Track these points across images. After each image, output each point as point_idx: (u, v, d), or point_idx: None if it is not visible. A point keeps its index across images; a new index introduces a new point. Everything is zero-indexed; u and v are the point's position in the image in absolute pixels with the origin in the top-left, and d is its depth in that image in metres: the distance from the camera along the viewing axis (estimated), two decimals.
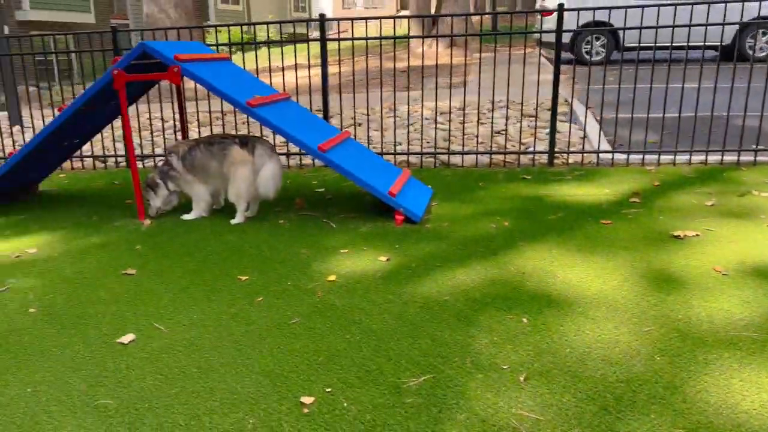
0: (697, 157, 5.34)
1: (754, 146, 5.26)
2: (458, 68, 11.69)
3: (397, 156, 5.83)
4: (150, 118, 6.42)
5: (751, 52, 5.74)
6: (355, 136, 5.65)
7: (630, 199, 4.36)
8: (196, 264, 3.54)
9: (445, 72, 10.52)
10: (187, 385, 2.34)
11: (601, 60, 11.31)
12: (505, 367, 2.37)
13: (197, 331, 2.76)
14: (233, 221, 4.27)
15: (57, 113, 4.27)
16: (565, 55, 12.12)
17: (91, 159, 6.37)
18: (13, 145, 7.01)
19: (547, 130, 6.18)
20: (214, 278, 3.33)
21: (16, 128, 8.32)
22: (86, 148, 6.62)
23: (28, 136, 7.47)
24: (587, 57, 11.75)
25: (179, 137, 6.51)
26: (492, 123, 5.68)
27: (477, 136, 5.70)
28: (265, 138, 4.38)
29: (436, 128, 5.91)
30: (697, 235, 3.60)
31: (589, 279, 3.10)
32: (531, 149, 5.69)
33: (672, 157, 5.33)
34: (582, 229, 3.81)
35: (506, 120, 5.78)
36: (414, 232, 3.91)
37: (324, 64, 5.56)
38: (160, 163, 4.42)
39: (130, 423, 2.13)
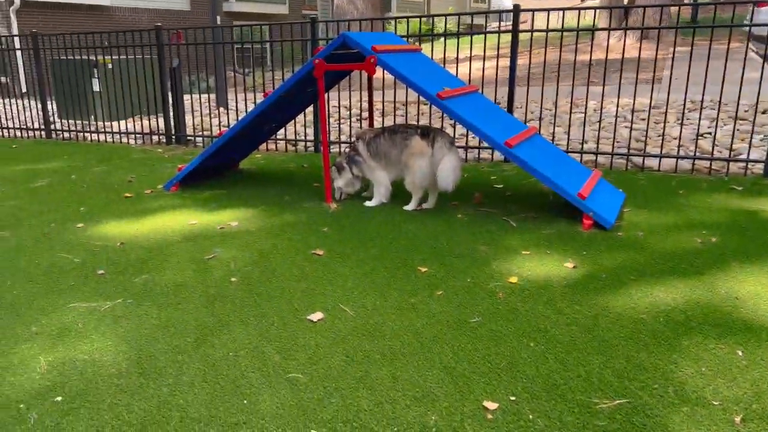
0: None
1: None
2: (649, 63, 10.76)
3: (583, 155, 5.50)
4: (339, 106, 6.74)
5: None
6: (539, 130, 5.42)
7: None
8: (378, 250, 3.63)
9: (633, 67, 9.77)
10: (371, 370, 2.39)
11: None
12: (716, 403, 2.10)
13: (380, 317, 2.81)
14: (406, 207, 4.33)
15: (262, 98, 4.61)
16: None
17: (284, 142, 6.85)
18: (219, 126, 7.78)
19: (762, 136, 5.45)
20: (395, 266, 3.39)
21: (222, 109, 9.24)
22: (280, 131, 7.14)
23: (232, 117, 8.25)
24: None
25: (365, 125, 6.79)
26: (699, 125, 5.10)
27: (678, 139, 5.19)
28: (444, 130, 4.36)
29: (631, 128, 5.46)
30: None
31: None
32: (743, 156, 5.04)
33: None
34: None
35: (716, 122, 5.17)
36: (604, 238, 3.65)
37: (514, 57, 5.40)
38: (348, 149, 4.61)
39: (319, 400, 2.22)
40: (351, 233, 3.94)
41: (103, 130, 8.14)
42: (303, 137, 6.91)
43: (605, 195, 4.08)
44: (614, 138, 5.50)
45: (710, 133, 5.15)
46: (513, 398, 2.18)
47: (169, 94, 7.41)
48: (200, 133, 7.65)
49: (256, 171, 5.86)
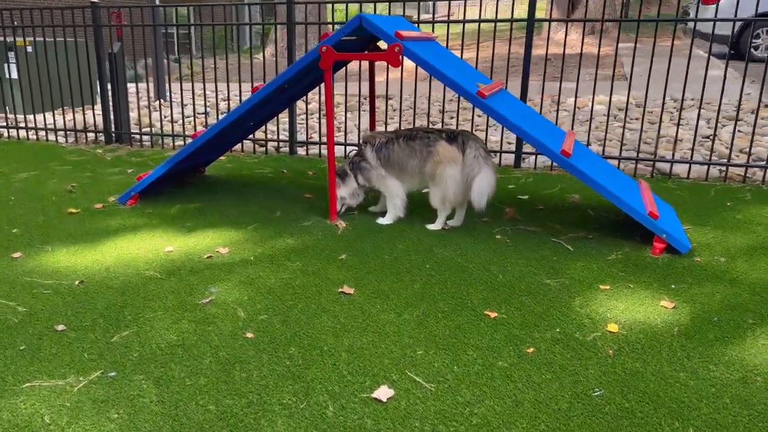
0: None
1: None
2: (604, 59, 10.55)
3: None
4: (312, 100, 5.92)
5: None
6: None
7: None
8: (420, 286, 2.92)
9: (589, 63, 9.49)
10: None
11: None
12: None
13: (471, 392, 2.11)
14: (431, 227, 3.64)
15: (251, 94, 3.77)
16: (718, 48, 10.71)
17: (252, 142, 5.97)
18: (162, 120, 6.77)
19: None
20: (453, 309, 2.69)
21: (163, 102, 8.15)
22: None
23: (176, 110, 7.22)
24: (755, 53, 10.22)
25: (362, 125, 6.02)
26: (697, 125, 4.69)
27: (692, 142, 4.78)
28: (473, 133, 3.68)
29: (641, 129, 4.99)
30: None
31: None
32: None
33: None
34: None
35: (716, 123, 4.83)
36: (684, 267, 3.10)
37: (528, 46, 4.80)
38: (352, 153, 3.86)
39: None
40: (377, 262, 3.21)
41: (24, 125, 6.91)
42: (275, 137, 6.05)
43: (663, 211, 3.55)
44: (621, 141, 5.01)
45: (713, 135, 4.73)
46: None
47: (108, 83, 6.33)
48: (144, 129, 6.61)
49: (227, 177, 4.97)
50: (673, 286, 2.88)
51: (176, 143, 6.34)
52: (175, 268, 3.14)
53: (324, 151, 5.67)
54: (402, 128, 3.97)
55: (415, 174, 3.61)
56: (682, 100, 4.73)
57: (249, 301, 2.79)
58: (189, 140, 5.84)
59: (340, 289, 2.89)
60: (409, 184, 3.70)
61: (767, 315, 2.61)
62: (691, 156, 4.71)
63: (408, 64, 9.43)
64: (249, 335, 2.49)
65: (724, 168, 4.80)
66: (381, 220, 3.78)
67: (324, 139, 5.78)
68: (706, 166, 4.77)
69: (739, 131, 5.81)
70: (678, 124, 4.83)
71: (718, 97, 5.32)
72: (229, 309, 2.71)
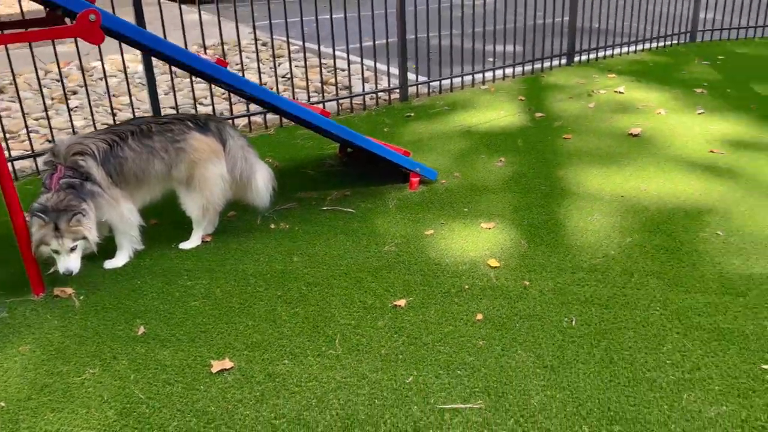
0: (509, 70, 5.92)
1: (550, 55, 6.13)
2: None
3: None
4: None
5: None
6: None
7: (536, 114, 4.63)
8: (262, 336, 2.33)
9: None
10: None
11: None
12: None
13: None
14: (187, 245, 2.88)
15: None
16: None
17: None
18: None
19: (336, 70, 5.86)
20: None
21: None
22: None
23: None
24: None
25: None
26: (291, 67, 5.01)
27: (321, 83, 5.03)
28: (220, 117, 2.93)
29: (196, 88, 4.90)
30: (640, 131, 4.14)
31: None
32: (368, 89, 5.35)
33: (494, 72, 5.77)
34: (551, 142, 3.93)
35: (290, 63, 5.23)
36: (435, 193, 3.37)
37: None
38: (61, 175, 2.52)
39: None
40: (169, 364, 2.36)
41: None
42: None
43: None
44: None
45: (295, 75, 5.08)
46: None
47: None
48: None
49: None
50: (442, 222, 3.14)
51: None
52: None
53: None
54: (117, 123, 2.79)
55: (159, 183, 2.70)
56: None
57: None
58: None
59: None
60: (143, 200, 2.74)
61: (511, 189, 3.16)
62: (337, 93, 4.92)
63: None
64: None
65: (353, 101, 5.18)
66: (111, 263, 2.72)
67: None
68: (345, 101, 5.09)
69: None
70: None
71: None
72: None
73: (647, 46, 6.71)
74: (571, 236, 2.83)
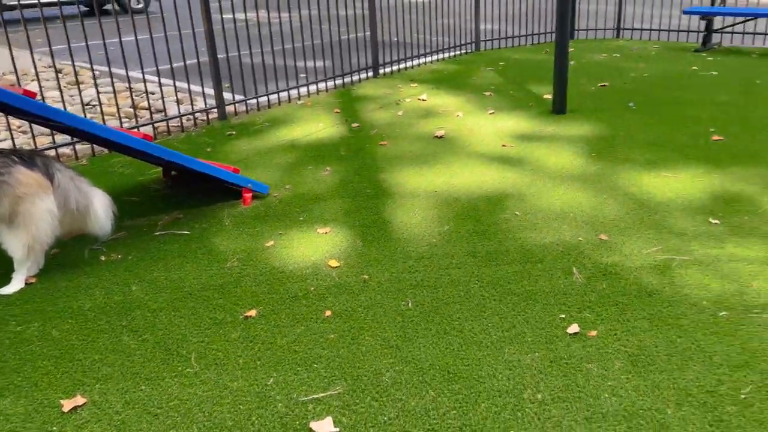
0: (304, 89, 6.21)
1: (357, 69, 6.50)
2: None
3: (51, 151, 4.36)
4: None
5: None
6: None
7: (353, 124, 4.95)
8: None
9: None
10: None
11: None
12: None
13: None
14: (7, 290, 2.69)
15: None
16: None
17: None
18: None
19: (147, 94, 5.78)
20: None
21: None
22: None
23: None
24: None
25: None
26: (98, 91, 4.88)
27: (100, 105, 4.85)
28: (43, 153, 2.73)
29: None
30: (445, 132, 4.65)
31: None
32: (181, 111, 5.28)
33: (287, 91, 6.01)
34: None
35: (113, 86, 5.12)
36: (269, 206, 3.50)
37: None
38: None
39: None
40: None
41: None
42: None
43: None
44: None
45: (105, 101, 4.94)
46: None
47: None
48: None
49: None
50: (281, 232, 3.30)
51: None
52: None
53: None
54: None
55: None
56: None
57: None
58: None
59: None
60: None
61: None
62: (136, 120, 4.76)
63: None
64: None
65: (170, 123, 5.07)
66: None
67: None
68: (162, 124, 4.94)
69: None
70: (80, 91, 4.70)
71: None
72: None
73: (441, 56, 7.45)
74: (399, 231, 3.14)
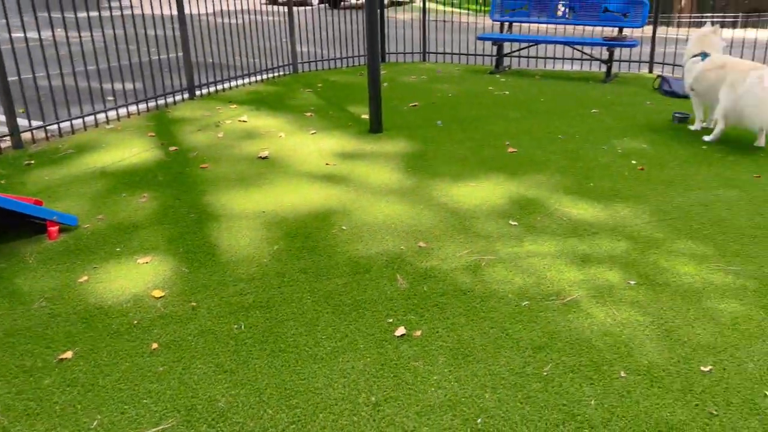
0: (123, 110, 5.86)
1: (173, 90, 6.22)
2: None
3: None
4: None
5: None
6: None
7: (170, 148, 4.76)
8: None
9: None
10: None
11: None
12: None
13: None
14: None
15: None
16: None
17: None
18: None
19: None
20: None
21: None
22: None
23: None
24: None
25: None
26: None
27: None
28: None
29: None
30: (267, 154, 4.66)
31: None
32: None
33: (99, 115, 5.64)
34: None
35: None
36: (80, 239, 3.24)
37: None
38: None
39: None
40: None
41: None
42: None
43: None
44: None
45: None
46: None
47: None
48: None
49: None
50: (118, 249, 3.09)
51: None
52: None
53: None
54: None
55: None
56: None
57: None
58: None
59: None
60: None
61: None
62: None
63: None
64: None
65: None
66: None
67: None
68: None
69: None
70: None
71: None
72: None
73: (260, 77, 7.45)
74: (227, 254, 3.09)
